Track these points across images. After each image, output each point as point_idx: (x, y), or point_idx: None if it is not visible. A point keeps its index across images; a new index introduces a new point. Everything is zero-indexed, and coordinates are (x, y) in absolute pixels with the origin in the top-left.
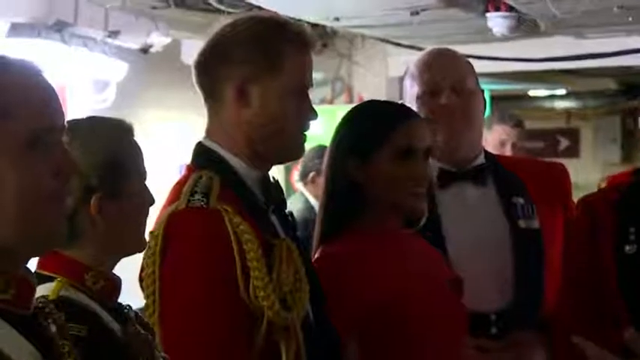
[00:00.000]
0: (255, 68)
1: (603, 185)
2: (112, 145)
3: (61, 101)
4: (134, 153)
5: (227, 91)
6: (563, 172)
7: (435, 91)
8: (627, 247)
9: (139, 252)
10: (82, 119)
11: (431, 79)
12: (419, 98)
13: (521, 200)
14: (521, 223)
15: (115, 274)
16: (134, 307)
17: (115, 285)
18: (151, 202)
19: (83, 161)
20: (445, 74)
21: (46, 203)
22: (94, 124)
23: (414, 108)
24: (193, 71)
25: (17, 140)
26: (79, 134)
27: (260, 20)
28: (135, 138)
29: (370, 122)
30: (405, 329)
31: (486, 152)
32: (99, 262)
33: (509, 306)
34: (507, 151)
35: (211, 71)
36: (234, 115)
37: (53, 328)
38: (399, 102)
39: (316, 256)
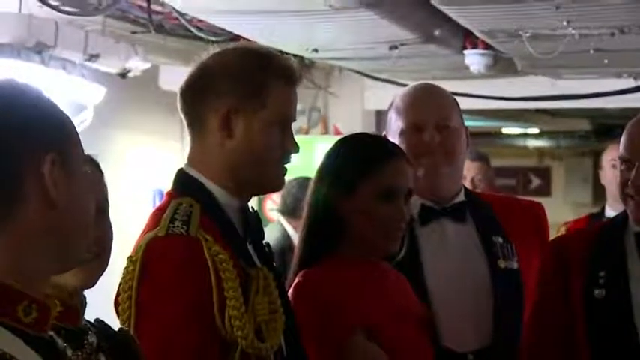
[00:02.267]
0: (240, 99)
1: (563, 230)
2: None
3: None
4: None
5: (211, 120)
6: (541, 212)
7: (419, 128)
8: (596, 291)
9: None
10: None
11: (415, 115)
12: (402, 133)
13: (500, 239)
14: (501, 263)
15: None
16: None
17: (75, 311)
18: None
19: None
20: (430, 111)
21: (88, 230)
22: None
23: (397, 142)
24: (178, 98)
25: (80, 163)
26: None
27: (248, 52)
28: None
29: (356, 157)
30: None
31: (466, 189)
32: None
33: (487, 346)
34: (466, 186)
35: (197, 99)
36: (218, 145)
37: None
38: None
39: (296, 280)
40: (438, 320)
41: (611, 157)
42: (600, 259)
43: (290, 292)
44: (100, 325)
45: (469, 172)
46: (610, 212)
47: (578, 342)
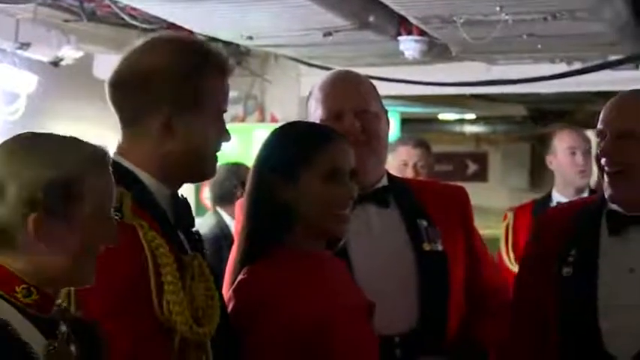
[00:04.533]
0: (180, 104)
1: (510, 215)
2: (68, 164)
3: None
4: (96, 182)
5: (150, 122)
6: (465, 196)
7: (338, 115)
8: (565, 270)
9: (77, 287)
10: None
11: (334, 103)
12: (322, 122)
13: (424, 223)
14: (426, 246)
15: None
16: None
17: (49, 300)
18: (110, 242)
19: (31, 172)
20: (348, 98)
21: None
22: (61, 139)
23: None
24: (108, 89)
25: None
26: (39, 143)
27: (181, 48)
28: (108, 170)
29: (295, 144)
30: (326, 356)
31: (389, 174)
32: (33, 278)
33: (413, 328)
34: (409, 173)
35: (131, 97)
36: (156, 144)
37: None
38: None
39: (240, 276)
40: None
41: (568, 143)
42: (574, 239)
43: (233, 288)
44: (67, 313)
45: (411, 158)
46: (558, 197)
47: (550, 323)
